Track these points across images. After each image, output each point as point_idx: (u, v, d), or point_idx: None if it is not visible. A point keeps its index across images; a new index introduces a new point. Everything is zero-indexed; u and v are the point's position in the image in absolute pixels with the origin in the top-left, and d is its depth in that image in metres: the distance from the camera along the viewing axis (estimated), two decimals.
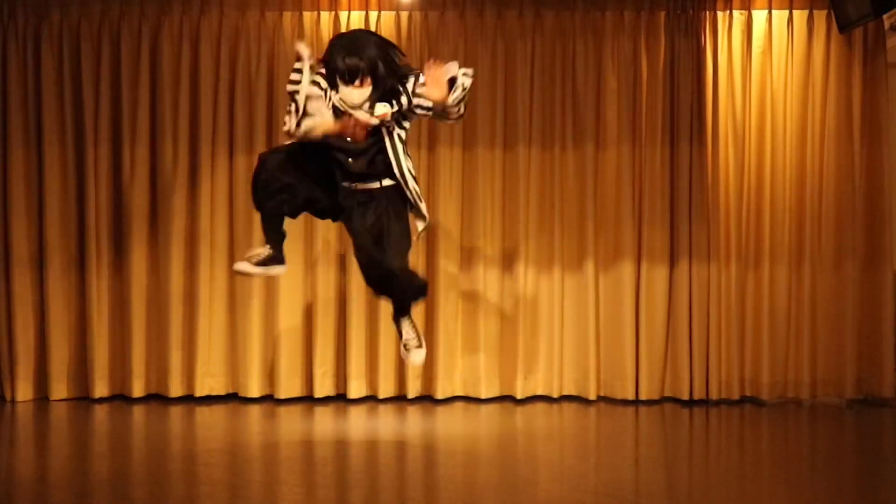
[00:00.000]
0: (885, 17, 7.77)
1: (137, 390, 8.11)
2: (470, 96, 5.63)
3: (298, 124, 5.45)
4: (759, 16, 8.20)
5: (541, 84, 8.18)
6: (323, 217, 5.95)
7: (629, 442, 7.14)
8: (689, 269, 8.08)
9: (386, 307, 6.06)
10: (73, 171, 8.14)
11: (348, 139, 5.53)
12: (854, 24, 7.81)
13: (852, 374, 8.11)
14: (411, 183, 5.66)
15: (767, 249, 8.16)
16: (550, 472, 6.09)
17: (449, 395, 8.16)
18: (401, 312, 5.94)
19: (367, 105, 5.49)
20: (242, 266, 5.83)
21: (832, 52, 8.16)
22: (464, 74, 5.53)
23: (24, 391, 8.09)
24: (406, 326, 5.92)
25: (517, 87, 8.15)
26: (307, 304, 8.17)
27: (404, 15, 8.17)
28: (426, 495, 5.57)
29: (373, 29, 8.10)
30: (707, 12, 8.14)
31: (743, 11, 8.19)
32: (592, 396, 8.15)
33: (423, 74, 5.49)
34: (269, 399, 8.09)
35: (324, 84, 5.51)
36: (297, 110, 5.46)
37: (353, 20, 8.13)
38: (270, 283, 8.01)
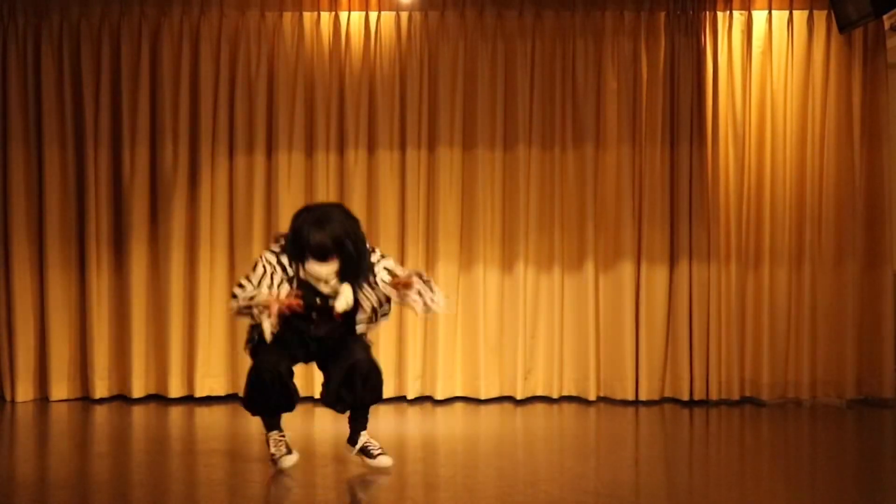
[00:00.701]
0: (885, 17, 7.77)
1: (137, 391, 8.11)
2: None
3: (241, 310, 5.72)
4: (759, 16, 8.20)
5: (541, 84, 8.18)
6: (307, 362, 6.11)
7: (629, 442, 7.14)
8: (689, 269, 8.08)
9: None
10: (73, 171, 8.14)
11: (311, 325, 5.77)
12: (854, 24, 7.82)
13: (852, 375, 8.11)
14: (384, 317, 5.96)
15: (767, 249, 8.15)
16: (550, 472, 6.09)
17: (449, 395, 8.16)
18: (364, 423, 5.97)
19: (332, 279, 5.72)
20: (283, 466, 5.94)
21: (832, 53, 8.16)
22: (426, 282, 5.82)
23: (24, 391, 8.09)
24: (365, 437, 5.97)
25: (517, 87, 8.15)
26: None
27: (404, 15, 8.16)
28: (426, 495, 5.57)
29: (373, 29, 8.12)
30: (707, 12, 8.15)
31: (743, 12, 8.19)
32: (592, 397, 8.15)
33: (400, 291, 5.75)
34: None
35: (284, 260, 5.74)
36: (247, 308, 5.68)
37: (353, 20, 8.14)
38: None
